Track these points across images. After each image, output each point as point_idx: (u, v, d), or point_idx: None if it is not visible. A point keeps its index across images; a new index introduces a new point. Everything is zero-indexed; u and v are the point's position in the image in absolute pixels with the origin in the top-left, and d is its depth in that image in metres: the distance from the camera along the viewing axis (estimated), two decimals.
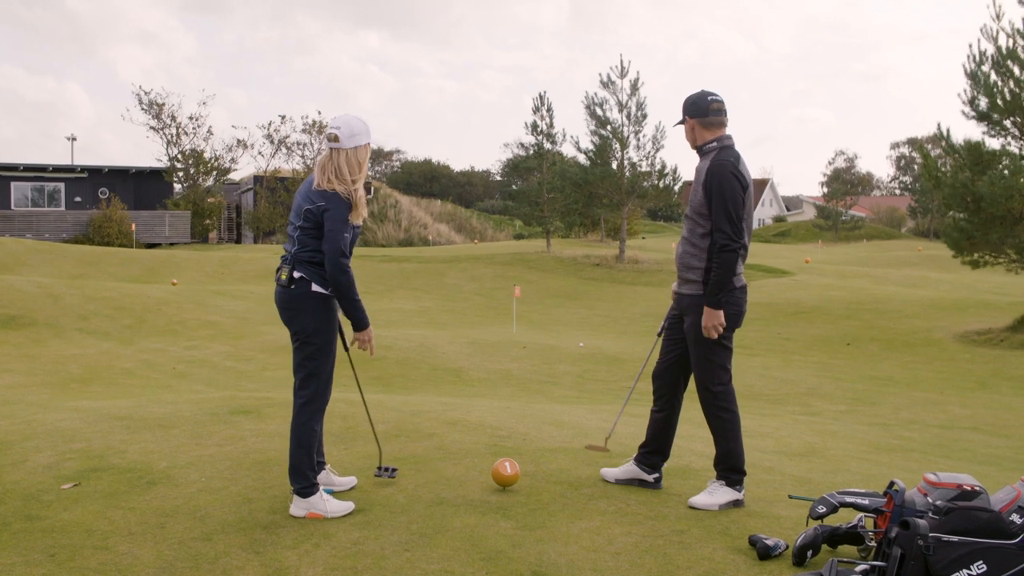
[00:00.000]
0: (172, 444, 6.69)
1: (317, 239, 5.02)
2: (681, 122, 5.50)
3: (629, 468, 5.71)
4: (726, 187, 5.17)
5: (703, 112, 5.38)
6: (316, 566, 4.46)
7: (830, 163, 71.35)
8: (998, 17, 19.37)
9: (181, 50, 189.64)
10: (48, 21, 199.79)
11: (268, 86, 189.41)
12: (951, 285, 30.67)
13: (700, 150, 5.42)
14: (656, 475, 5.66)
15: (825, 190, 70.26)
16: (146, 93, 52.60)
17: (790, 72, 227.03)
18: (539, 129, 39.40)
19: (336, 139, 5.01)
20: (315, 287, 5.04)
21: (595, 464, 6.11)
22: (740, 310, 5.35)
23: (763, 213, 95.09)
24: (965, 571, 3.97)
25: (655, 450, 5.66)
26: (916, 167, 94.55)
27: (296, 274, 5.04)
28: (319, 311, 5.08)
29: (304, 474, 5.11)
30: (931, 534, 4.03)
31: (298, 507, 5.10)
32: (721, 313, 5.22)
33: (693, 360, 5.41)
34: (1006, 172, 18.72)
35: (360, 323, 5.11)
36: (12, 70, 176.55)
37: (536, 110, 39.38)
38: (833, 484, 6.09)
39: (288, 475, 5.18)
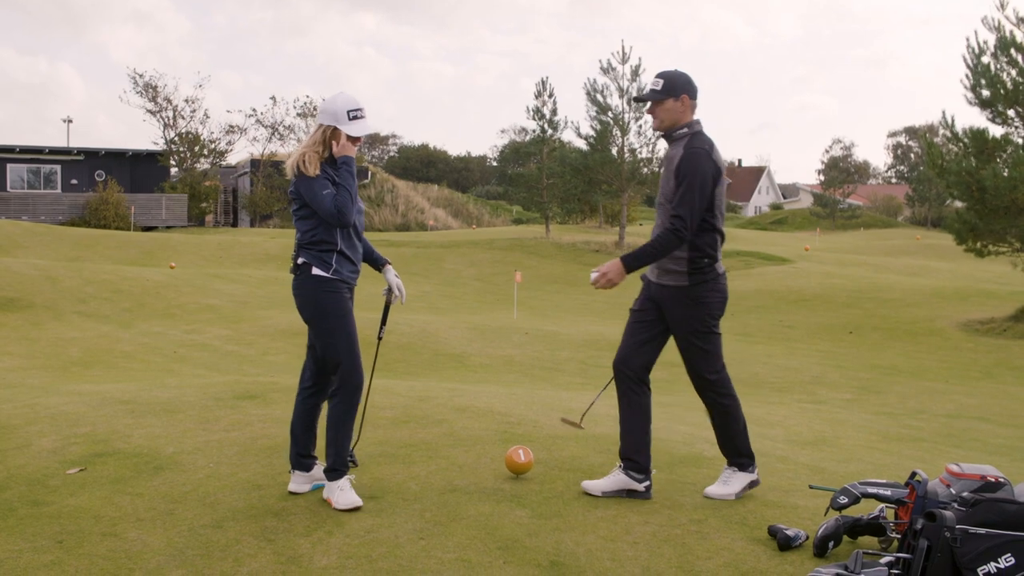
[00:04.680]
0: (178, 429, 6.61)
1: (308, 219, 5.00)
2: (660, 99, 5.08)
3: (616, 479, 5.22)
4: (698, 176, 4.94)
5: (695, 92, 5.14)
6: (330, 554, 4.38)
7: (827, 151, 70.90)
8: (1002, 6, 19.25)
9: (174, 31, 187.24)
10: (38, 1, 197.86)
11: (262, 69, 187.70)
12: (952, 274, 30.62)
13: (669, 136, 5.15)
14: (647, 483, 5.18)
15: (822, 178, 69.90)
16: (141, 76, 52.51)
17: (791, 58, 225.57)
18: (541, 114, 39.14)
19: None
20: (315, 270, 4.97)
21: (609, 452, 6.02)
22: (725, 296, 5.17)
23: (760, 201, 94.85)
24: (993, 564, 3.90)
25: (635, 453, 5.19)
26: (913, 156, 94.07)
27: (300, 260, 5.01)
28: (320, 294, 4.98)
29: (335, 453, 4.99)
30: (958, 526, 3.96)
31: (329, 490, 5.01)
32: (626, 276, 5.11)
33: (685, 352, 5.19)
34: (1010, 162, 18.65)
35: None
36: (2, 51, 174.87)
37: (538, 95, 39.11)
38: (847, 473, 6.03)
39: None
